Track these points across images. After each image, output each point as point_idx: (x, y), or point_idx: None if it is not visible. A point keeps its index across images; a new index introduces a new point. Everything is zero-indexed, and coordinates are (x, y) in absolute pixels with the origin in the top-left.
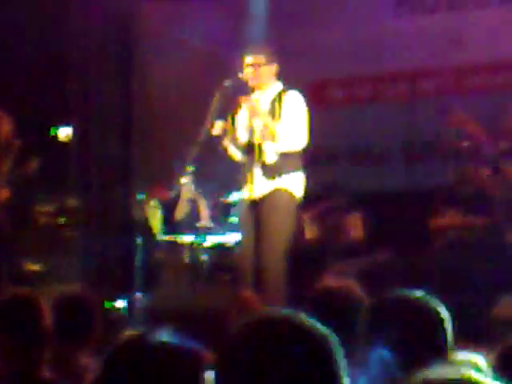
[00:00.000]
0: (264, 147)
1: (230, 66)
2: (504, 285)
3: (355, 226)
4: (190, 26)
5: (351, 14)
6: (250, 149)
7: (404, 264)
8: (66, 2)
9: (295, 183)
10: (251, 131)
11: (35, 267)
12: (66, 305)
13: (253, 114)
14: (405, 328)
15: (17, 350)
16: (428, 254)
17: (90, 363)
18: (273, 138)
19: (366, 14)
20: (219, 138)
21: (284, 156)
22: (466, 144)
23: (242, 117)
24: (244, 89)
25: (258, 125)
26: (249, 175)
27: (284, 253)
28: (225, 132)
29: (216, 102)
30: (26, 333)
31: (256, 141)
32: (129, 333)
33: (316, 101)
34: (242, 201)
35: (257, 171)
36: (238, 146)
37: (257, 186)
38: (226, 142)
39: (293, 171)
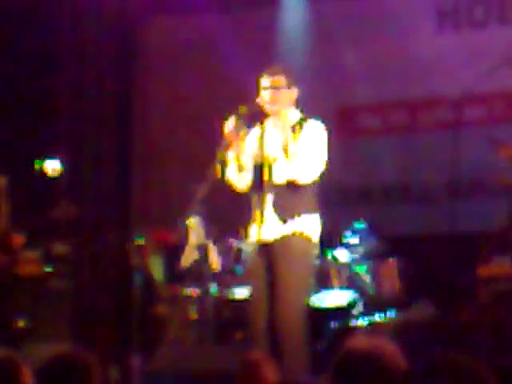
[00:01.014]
0: (274, 170)
1: (245, 89)
2: None
3: (390, 276)
4: (199, 44)
5: (386, 30)
6: (257, 173)
7: (446, 320)
8: (56, 25)
9: (312, 226)
10: (261, 155)
11: (19, 323)
12: (55, 370)
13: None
14: None
15: None
16: (474, 309)
17: None
18: (287, 156)
19: (403, 29)
20: (226, 141)
21: (298, 194)
22: None
23: (251, 142)
24: (260, 116)
25: (271, 143)
26: (257, 213)
27: (303, 308)
28: (237, 133)
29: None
30: None
31: (265, 163)
32: None
33: (344, 130)
34: (250, 245)
35: (267, 209)
36: (241, 169)
37: (267, 228)
38: (230, 157)
39: (309, 212)
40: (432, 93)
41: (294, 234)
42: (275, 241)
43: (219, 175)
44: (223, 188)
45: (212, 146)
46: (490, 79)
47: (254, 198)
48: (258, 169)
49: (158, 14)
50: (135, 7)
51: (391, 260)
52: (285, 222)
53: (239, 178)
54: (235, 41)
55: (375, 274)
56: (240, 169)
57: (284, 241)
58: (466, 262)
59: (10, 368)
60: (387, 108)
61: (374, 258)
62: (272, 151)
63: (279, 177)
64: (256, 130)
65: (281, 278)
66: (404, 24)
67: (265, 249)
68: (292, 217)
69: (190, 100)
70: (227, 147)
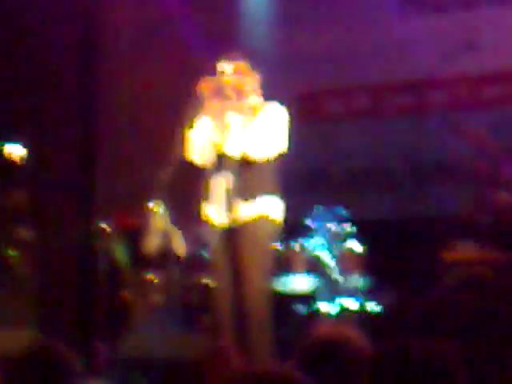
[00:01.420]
0: (230, 147)
1: (207, 73)
2: None
3: (354, 261)
4: (162, 28)
5: (348, 14)
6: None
7: (410, 305)
8: (16, 10)
9: (274, 208)
10: (220, 135)
11: None
12: (34, 358)
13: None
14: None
15: None
16: (438, 294)
17: None
18: (244, 135)
19: (366, 13)
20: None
21: (257, 174)
22: (483, 164)
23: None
24: (220, 99)
25: (230, 125)
26: (217, 194)
27: (268, 292)
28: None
29: (189, 124)
30: None
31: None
32: None
33: (308, 115)
34: (213, 229)
35: (229, 191)
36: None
37: (229, 210)
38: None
39: (269, 193)
40: (395, 77)
41: (256, 216)
42: (238, 223)
43: (183, 152)
44: (187, 171)
45: (175, 130)
46: (452, 64)
47: (213, 181)
48: (216, 148)
49: None
50: None
51: (355, 244)
52: (245, 202)
53: (206, 141)
54: (197, 24)
55: (339, 258)
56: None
57: (247, 223)
58: (430, 247)
59: None
60: (351, 92)
61: (337, 242)
62: (230, 131)
63: (234, 152)
64: (216, 111)
65: (245, 260)
66: (367, 8)
67: (228, 232)
68: (252, 197)
69: (153, 84)
70: (200, 107)
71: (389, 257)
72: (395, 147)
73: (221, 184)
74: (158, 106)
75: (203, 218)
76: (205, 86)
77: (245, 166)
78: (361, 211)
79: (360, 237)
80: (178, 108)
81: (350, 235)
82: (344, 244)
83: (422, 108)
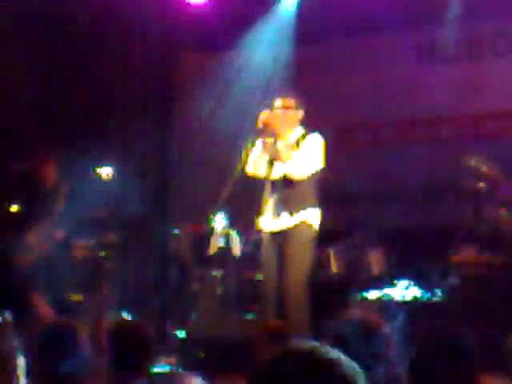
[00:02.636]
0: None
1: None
2: None
3: (377, 261)
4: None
5: (376, 63)
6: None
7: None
8: (106, 54)
9: (314, 218)
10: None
11: (77, 297)
12: (124, 333)
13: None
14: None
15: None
16: (444, 288)
17: None
18: (286, 159)
19: (390, 63)
20: (260, 132)
21: (301, 192)
22: (482, 185)
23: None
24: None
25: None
26: (269, 207)
27: (306, 284)
28: (266, 128)
29: (249, 144)
30: (65, 360)
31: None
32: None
33: (343, 145)
34: (264, 234)
35: (277, 204)
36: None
37: (278, 219)
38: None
39: (311, 207)
40: (412, 114)
41: (300, 223)
42: (285, 229)
43: (242, 171)
44: (245, 186)
45: (234, 156)
46: (458, 104)
47: (264, 195)
48: (268, 169)
49: (192, 49)
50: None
51: (378, 249)
52: (292, 214)
53: (261, 159)
54: (255, 74)
55: (366, 260)
56: (265, 148)
57: (293, 229)
58: (439, 251)
59: (71, 331)
60: (377, 127)
61: (364, 247)
62: (278, 156)
63: (280, 173)
64: (268, 139)
65: (291, 258)
66: (390, 60)
67: (276, 236)
68: (297, 210)
69: (219, 119)
70: (262, 132)
71: (405, 258)
72: (412, 170)
73: (270, 198)
74: (222, 137)
75: (257, 224)
76: (262, 117)
77: (288, 184)
78: (383, 222)
79: (383, 241)
80: (240, 136)
81: (375, 240)
82: (370, 247)
83: (434, 139)
